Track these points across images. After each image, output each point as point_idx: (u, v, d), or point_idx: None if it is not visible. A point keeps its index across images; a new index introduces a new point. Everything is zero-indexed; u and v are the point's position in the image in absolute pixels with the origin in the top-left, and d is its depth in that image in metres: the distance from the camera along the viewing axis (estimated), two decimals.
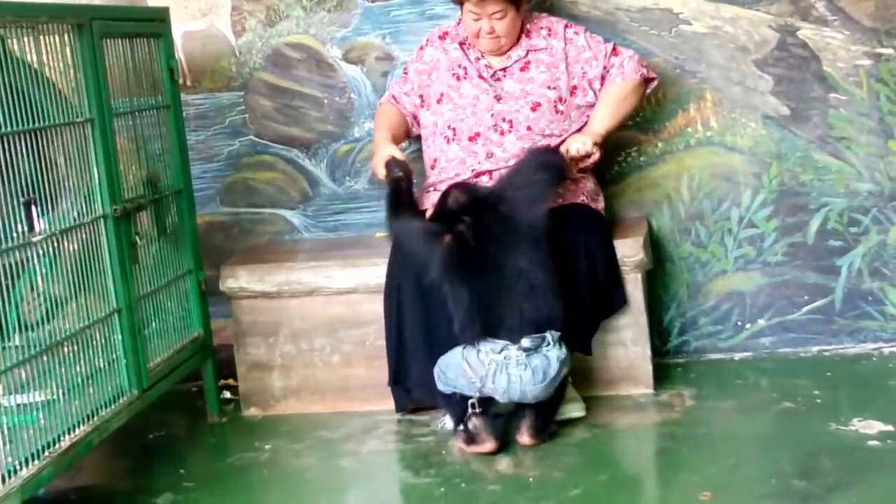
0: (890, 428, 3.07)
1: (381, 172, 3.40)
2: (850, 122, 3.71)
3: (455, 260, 3.06)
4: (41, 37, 2.80)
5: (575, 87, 3.49)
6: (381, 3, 3.87)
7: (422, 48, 3.61)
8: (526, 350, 3.02)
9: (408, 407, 3.45)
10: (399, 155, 3.42)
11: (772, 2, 3.70)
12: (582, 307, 3.29)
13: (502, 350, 3.03)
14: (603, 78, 3.49)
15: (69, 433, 2.73)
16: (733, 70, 3.75)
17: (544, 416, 3.15)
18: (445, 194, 3.22)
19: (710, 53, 3.75)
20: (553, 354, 3.04)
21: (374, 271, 3.49)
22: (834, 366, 3.67)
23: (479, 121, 3.46)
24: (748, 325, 3.84)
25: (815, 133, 3.73)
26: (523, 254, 3.07)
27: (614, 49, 3.52)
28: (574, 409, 3.33)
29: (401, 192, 3.31)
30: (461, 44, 3.54)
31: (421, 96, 3.59)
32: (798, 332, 3.82)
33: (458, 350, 3.11)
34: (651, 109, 3.77)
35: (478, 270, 3.07)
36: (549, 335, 3.04)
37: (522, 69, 3.48)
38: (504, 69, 3.49)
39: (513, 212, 3.11)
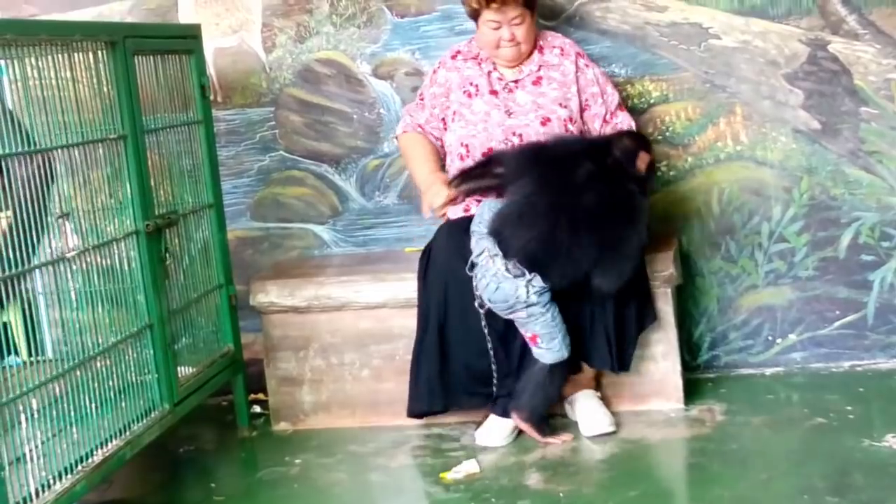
0: None
1: (441, 211, 3.40)
2: (881, 136, 3.70)
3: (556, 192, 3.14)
4: (75, 54, 2.83)
5: (581, 112, 3.51)
6: (410, 19, 3.88)
7: (434, 72, 3.61)
8: (507, 271, 3.10)
9: (421, 412, 3.44)
10: (451, 192, 3.39)
11: (802, 16, 3.69)
12: (621, 324, 3.30)
13: (495, 255, 3.12)
14: (605, 122, 3.51)
15: (102, 447, 2.75)
16: (763, 84, 3.74)
17: (531, 399, 3.22)
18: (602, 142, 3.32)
19: (739, 68, 3.74)
20: (521, 291, 3.09)
21: (404, 286, 3.50)
22: (866, 381, 3.64)
23: (491, 136, 3.46)
24: (779, 340, 3.82)
25: (847, 147, 3.72)
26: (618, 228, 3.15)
27: (621, 104, 3.56)
28: (605, 424, 3.33)
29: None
30: (474, 58, 3.55)
31: (444, 119, 3.59)
32: (830, 347, 3.79)
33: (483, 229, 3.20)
34: (681, 124, 3.77)
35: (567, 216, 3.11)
36: (529, 276, 3.10)
37: (535, 83, 3.49)
38: (516, 81, 3.50)
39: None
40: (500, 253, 3.13)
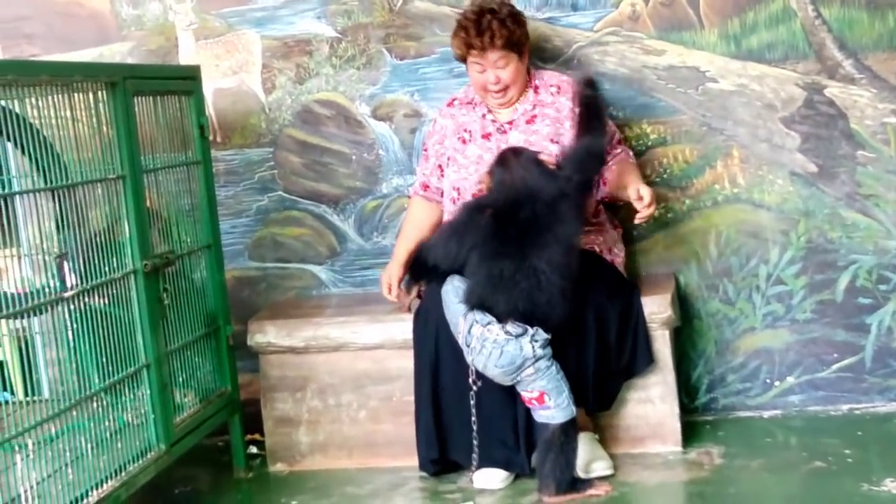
0: None
1: (384, 289, 3.54)
2: (877, 180, 3.71)
3: (489, 236, 3.12)
4: (75, 94, 2.84)
5: None
6: (409, 61, 3.91)
7: (434, 122, 3.67)
8: (507, 333, 3.07)
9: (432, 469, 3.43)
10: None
11: (798, 60, 3.71)
12: (587, 366, 3.29)
13: (488, 324, 3.09)
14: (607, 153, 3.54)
15: (97, 488, 2.73)
16: (760, 127, 3.75)
17: (554, 469, 3.10)
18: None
19: (736, 111, 3.76)
20: (527, 348, 3.07)
21: (401, 327, 3.50)
22: (864, 424, 3.63)
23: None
24: (777, 383, 3.81)
25: (843, 190, 3.73)
26: (549, 254, 3.09)
27: (620, 139, 3.63)
28: (602, 467, 3.31)
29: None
30: (469, 103, 3.58)
31: (440, 166, 3.62)
32: (827, 391, 3.79)
33: (461, 306, 3.17)
34: (678, 166, 3.78)
35: (500, 251, 3.10)
36: (532, 330, 3.08)
37: (528, 122, 3.51)
38: (511, 122, 3.52)
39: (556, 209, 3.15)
40: (493, 320, 3.10)
